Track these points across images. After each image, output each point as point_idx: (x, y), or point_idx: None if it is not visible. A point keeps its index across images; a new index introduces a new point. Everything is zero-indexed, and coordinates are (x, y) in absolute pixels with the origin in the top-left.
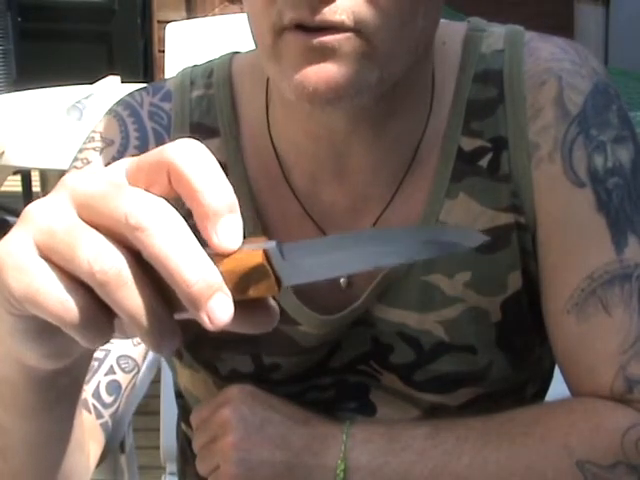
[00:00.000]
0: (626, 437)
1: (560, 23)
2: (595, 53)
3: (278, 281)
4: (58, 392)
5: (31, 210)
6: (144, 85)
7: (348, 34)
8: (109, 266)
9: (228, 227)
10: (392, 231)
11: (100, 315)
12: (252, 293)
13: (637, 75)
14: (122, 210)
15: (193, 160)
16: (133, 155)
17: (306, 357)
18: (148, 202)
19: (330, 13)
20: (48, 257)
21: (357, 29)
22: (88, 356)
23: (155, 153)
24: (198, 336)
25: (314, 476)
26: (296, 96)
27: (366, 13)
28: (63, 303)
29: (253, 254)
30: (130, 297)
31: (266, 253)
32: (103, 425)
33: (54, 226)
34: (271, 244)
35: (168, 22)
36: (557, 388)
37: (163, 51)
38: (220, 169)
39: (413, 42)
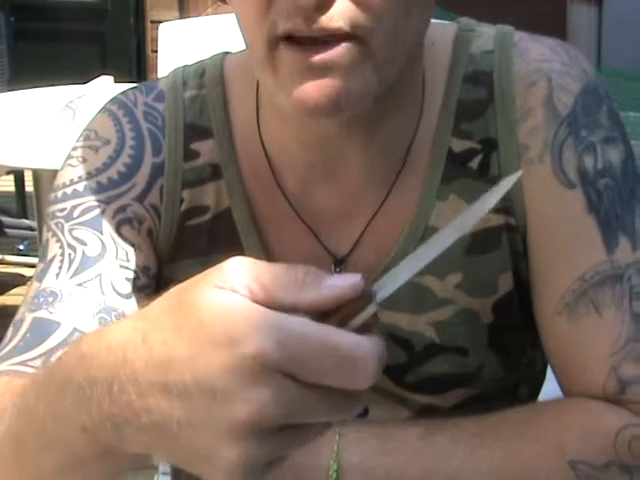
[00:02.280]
0: (619, 437)
1: (553, 23)
2: (588, 53)
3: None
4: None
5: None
6: (136, 84)
7: (346, 44)
8: None
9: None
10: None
11: None
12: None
13: (630, 75)
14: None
15: None
16: (129, 155)
17: None
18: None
19: (326, 21)
20: None
21: (353, 34)
22: None
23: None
24: None
25: (307, 476)
26: (296, 110)
27: (361, 17)
28: None
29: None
30: None
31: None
32: None
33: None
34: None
35: (161, 22)
36: (550, 388)
37: (156, 51)
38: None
39: (408, 42)
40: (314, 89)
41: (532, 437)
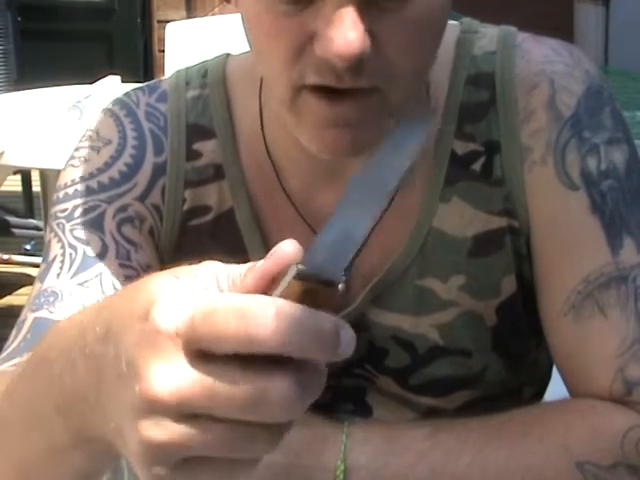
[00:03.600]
0: (626, 438)
1: (560, 23)
2: (595, 53)
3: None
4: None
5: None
6: (140, 84)
7: (369, 98)
8: None
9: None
10: (370, 171)
11: None
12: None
13: (636, 75)
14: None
15: None
16: (131, 155)
17: None
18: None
19: (356, 80)
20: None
21: (377, 87)
22: None
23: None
24: None
25: (314, 477)
26: (316, 151)
27: (386, 73)
28: None
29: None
30: None
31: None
32: None
33: None
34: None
35: (168, 22)
36: (556, 388)
37: (163, 51)
38: None
39: (423, 79)
40: (337, 137)
41: (539, 437)
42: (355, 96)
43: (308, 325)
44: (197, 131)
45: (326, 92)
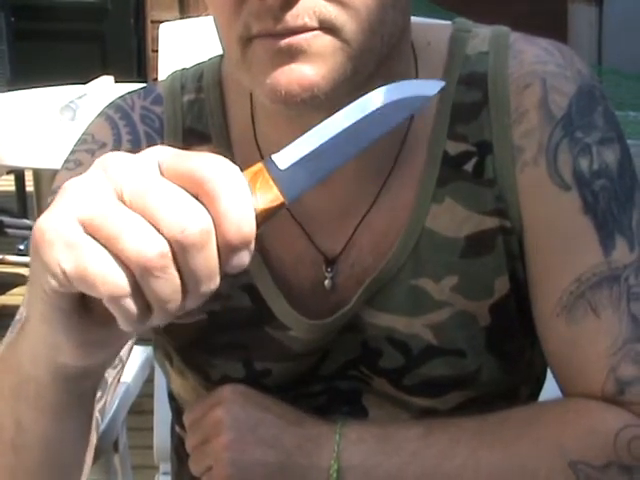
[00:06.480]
0: (619, 438)
1: (554, 23)
2: (589, 53)
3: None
4: (80, 393)
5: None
6: (137, 87)
7: (316, 32)
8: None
9: (239, 261)
10: (363, 103)
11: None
12: (261, 205)
13: (630, 74)
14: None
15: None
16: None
17: (296, 363)
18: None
19: (293, 19)
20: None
21: (324, 27)
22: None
23: (192, 167)
24: (191, 341)
25: (307, 476)
26: (270, 100)
27: (330, 11)
28: (113, 281)
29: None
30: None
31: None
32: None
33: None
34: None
35: (161, 22)
36: (550, 388)
37: (157, 51)
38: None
39: (385, 34)
40: (283, 75)
41: (532, 437)
42: (300, 32)
43: None
44: (193, 135)
45: (271, 36)
